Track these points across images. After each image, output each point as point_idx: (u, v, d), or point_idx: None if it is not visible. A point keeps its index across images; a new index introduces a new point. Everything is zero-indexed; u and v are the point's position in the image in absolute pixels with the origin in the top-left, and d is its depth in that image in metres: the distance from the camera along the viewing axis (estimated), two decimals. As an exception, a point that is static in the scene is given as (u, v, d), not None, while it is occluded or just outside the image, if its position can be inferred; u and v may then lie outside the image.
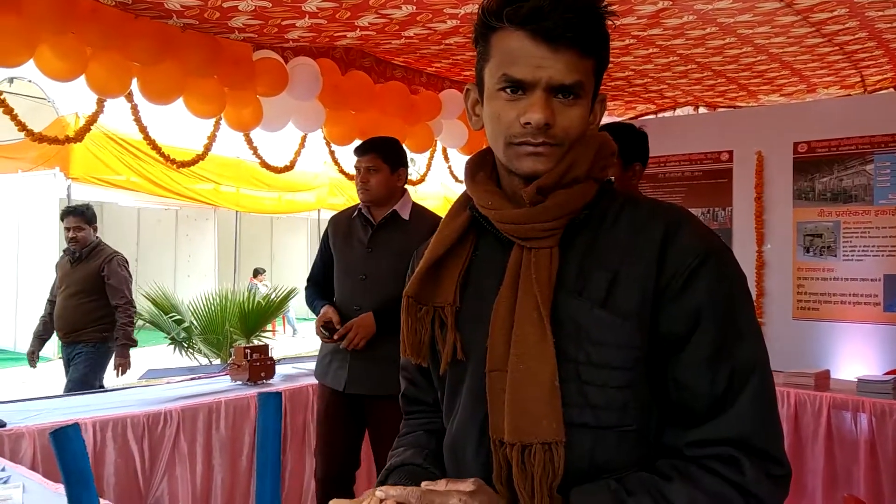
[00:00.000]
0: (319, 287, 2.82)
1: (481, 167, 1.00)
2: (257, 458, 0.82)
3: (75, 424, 0.82)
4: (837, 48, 3.68)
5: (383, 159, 2.67)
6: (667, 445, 0.88)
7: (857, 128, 4.27)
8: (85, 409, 2.72)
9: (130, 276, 4.15)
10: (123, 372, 4.03)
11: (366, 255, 2.67)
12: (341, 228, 2.79)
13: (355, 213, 2.77)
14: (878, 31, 3.41)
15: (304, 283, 2.94)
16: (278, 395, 0.79)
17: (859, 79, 4.38)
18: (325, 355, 2.74)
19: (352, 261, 2.70)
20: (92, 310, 4.02)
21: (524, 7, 0.87)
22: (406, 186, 2.79)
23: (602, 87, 0.96)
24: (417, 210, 2.78)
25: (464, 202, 1.00)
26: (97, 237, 4.17)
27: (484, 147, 1.02)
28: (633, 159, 2.33)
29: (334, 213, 3.03)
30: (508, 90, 0.89)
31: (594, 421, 0.87)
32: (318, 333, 2.70)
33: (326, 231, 2.86)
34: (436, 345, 0.99)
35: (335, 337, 2.61)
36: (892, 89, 4.52)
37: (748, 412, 0.85)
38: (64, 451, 0.79)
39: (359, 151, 2.73)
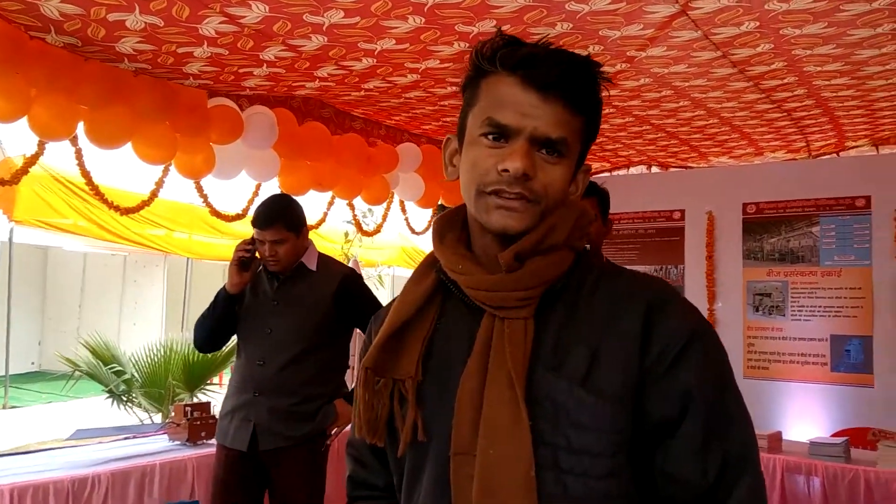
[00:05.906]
0: None
1: (451, 228, 0.93)
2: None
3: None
4: (785, 114, 3.80)
5: (288, 228, 2.56)
6: None
7: (804, 191, 4.41)
8: (2, 472, 2.50)
9: None
10: None
11: (272, 309, 2.59)
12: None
13: (261, 267, 2.66)
14: (823, 99, 3.53)
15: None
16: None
17: (804, 144, 4.53)
18: (227, 413, 2.58)
19: (258, 314, 2.60)
20: None
21: (519, 52, 0.84)
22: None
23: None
24: (324, 260, 2.71)
25: (430, 264, 0.93)
26: None
27: (443, 205, 0.97)
28: (607, 215, 2.44)
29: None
30: (491, 136, 0.85)
31: None
32: (239, 259, 2.53)
33: None
34: (394, 422, 0.89)
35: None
36: (835, 154, 4.69)
37: None
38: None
39: (261, 224, 2.57)
